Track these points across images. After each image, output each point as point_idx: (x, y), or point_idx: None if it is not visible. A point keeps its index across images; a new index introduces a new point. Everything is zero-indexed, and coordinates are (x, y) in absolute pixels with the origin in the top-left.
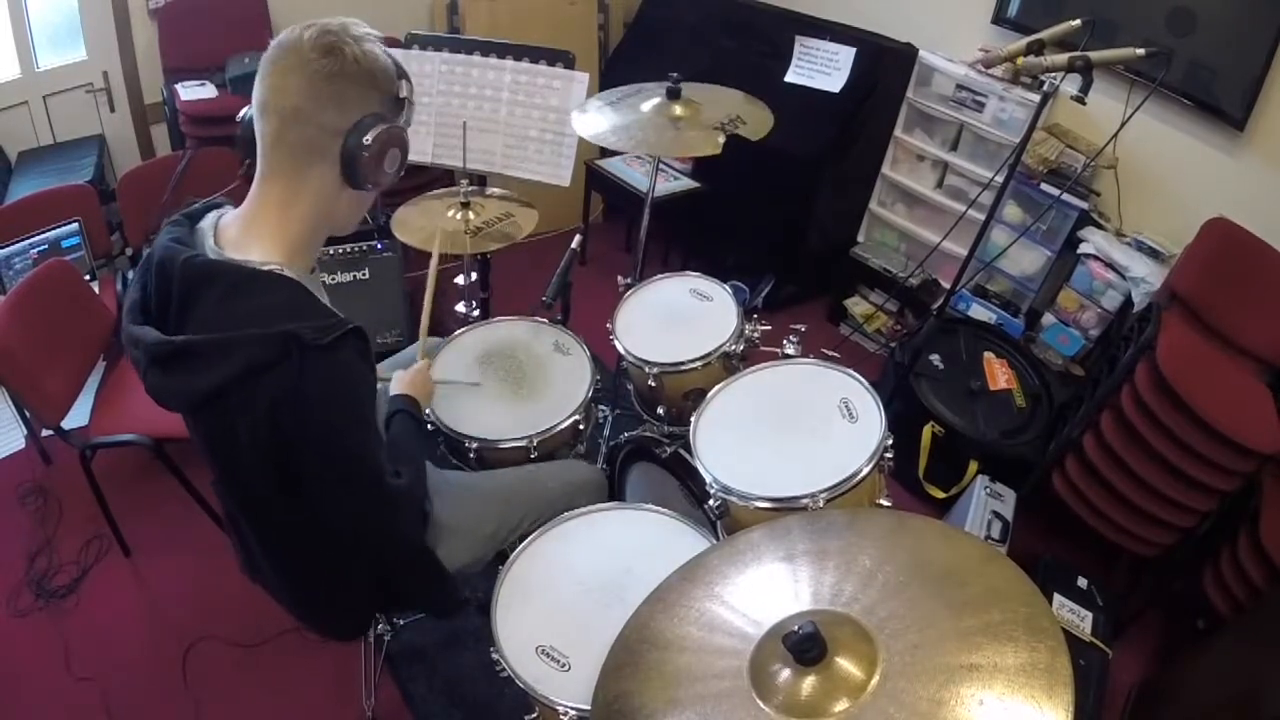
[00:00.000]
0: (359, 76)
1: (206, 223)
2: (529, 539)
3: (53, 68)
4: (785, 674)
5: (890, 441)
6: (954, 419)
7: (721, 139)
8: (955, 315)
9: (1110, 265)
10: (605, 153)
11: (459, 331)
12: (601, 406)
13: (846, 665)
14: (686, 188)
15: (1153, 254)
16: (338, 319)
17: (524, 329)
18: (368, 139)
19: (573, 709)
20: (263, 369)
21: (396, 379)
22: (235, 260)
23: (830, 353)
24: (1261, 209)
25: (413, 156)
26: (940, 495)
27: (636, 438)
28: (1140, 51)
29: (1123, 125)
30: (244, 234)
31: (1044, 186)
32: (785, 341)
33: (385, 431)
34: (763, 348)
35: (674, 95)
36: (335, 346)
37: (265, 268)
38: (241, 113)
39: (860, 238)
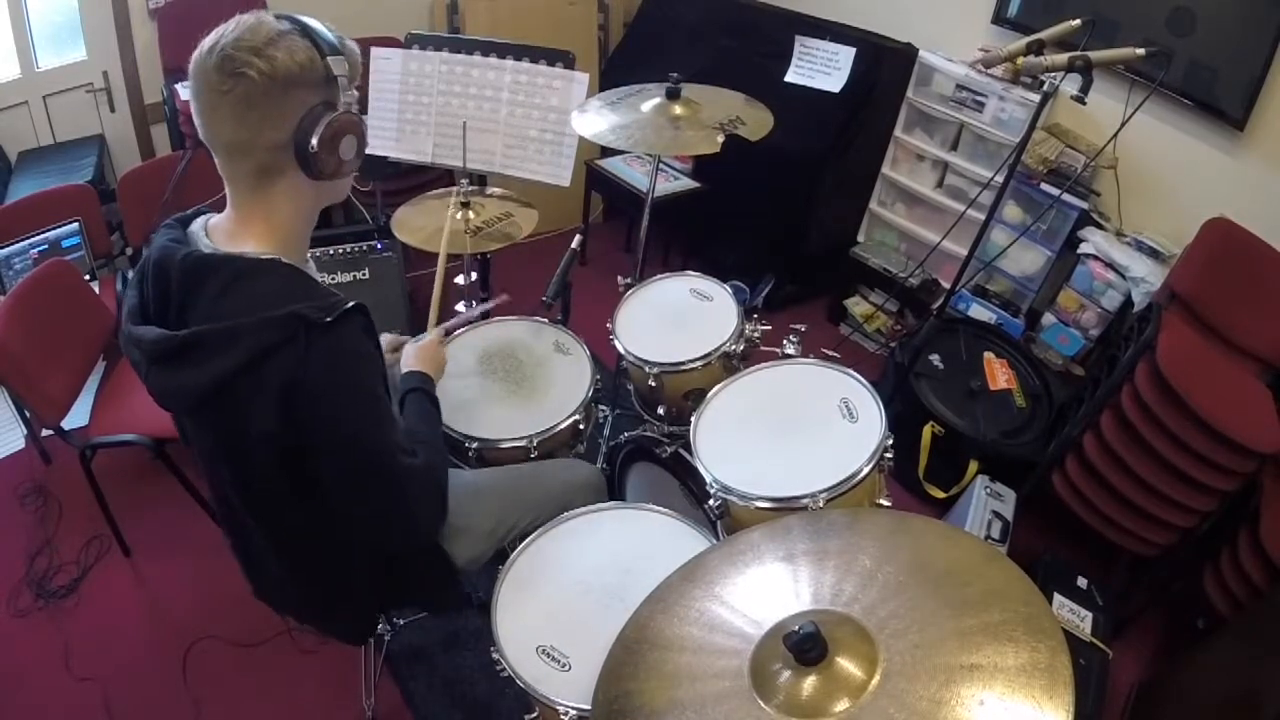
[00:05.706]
0: (275, 87)
1: (196, 226)
2: (529, 539)
3: (53, 68)
4: (786, 674)
5: (890, 441)
6: (954, 419)
7: (721, 138)
8: (955, 315)
9: (1110, 265)
10: (605, 152)
11: (459, 331)
12: (601, 406)
13: (847, 665)
14: (686, 188)
15: (1153, 254)
16: (339, 297)
17: (524, 329)
18: (314, 142)
19: (573, 709)
20: (272, 352)
21: (407, 354)
22: (233, 253)
23: (830, 353)
24: (1261, 209)
25: (413, 156)
26: (940, 495)
27: (636, 438)
28: (1140, 51)
29: (1123, 125)
30: (235, 232)
31: (1044, 186)
32: (785, 341)
33: (400, 412)
34: (763, 348)
35: (674, 95)
36: (339, 324)
37: (264, 257)
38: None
39: (860, 238)
